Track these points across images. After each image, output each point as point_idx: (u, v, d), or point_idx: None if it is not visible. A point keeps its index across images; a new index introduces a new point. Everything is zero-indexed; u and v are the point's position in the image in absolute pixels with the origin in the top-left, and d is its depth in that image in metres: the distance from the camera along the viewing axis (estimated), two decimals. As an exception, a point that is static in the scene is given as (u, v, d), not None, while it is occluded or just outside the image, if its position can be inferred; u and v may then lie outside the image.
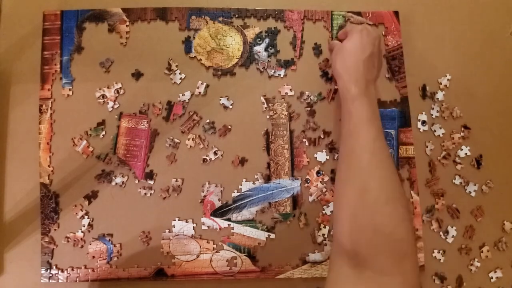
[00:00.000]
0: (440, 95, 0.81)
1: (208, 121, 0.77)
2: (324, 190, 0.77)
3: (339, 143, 0.78)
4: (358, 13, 0.81)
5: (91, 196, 0.74)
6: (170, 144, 0.76)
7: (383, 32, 0.81)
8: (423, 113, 0.80)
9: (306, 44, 0.80)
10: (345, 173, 0.61)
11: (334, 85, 0.79)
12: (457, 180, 0.79)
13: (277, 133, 0.78)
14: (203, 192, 0.75)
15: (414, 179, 0.78)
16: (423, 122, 0.80)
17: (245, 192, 0.75)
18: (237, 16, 0.80)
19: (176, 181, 0.75)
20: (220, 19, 0.80)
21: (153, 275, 0.73)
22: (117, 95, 0.77)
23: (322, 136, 0.78)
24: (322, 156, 0.77)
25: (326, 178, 0.77)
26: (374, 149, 0.59)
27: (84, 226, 0.73)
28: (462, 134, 0.80)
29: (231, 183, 0.76)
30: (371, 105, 0.63)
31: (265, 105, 0.78)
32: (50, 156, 0.75)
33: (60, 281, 0.72)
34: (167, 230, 0.74)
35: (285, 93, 0.79)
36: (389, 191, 0.56)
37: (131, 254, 0.73)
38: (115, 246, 0.73)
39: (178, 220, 0.74)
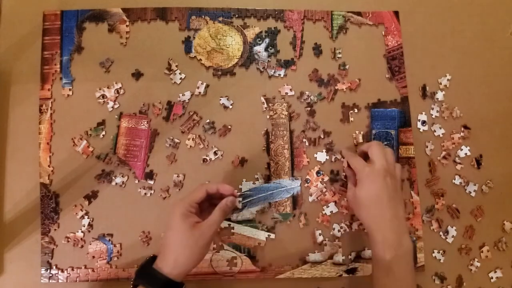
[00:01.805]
0: (440, 95, 0.81)
1: (208, 121, 0.77)
2: (324, 190, 0.77)
3: (338, 145, 0.78)
4: (358, 13, 0.81)
5: (91, 196, 0.74)
6: (170, 144, 0.76)
7: (383, 32, 0.81)
8: (423, 113, 0.80)
9: (306, 44, 0.80)
10: None
11: (334, 86, 0.79)
12: (457, 180, 0.79)
13: (277, 133, 0.78)
14: (203, 192, 0.75)
15: (414, 179, 0.78)
16: (423, 122, 0.80)
17: (245, 192, 0.75)
18: (237, 16, 0.80)
19: (177, 176, 0.75)
20: (220, 19, 0.80)
21: (153, 275, 0.73)
22: (117, 95, 0.77)
23: (322, 136, 0.78)
24: (322, 156, 0.77)
25: (326, 178, 0.77)
26: None
27: (84, 226, 0.73)
28: (462, 134, 0.80)
29: (231, 183, 0.76)
30: (408, 273, 0.61)
31: (265, 105, 0.78)
32: (50, 156, 0.75)
33: (60, 281, 0.72)
34: (167, 230, 0.74)
35: (285, 93, 0.79)
36: None
37: (131, 254, 0.73)
38: (115, 246, 0.73)
39: (178, 220, 0.74)
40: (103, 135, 0.76)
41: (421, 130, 0.80)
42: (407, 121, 0.80)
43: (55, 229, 0.73)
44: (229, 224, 0.75)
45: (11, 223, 0.74)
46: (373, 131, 0.79)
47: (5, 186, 0.74)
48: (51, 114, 0.75)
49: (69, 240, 0.73)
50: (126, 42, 0.78)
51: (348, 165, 0.71)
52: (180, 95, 0.77)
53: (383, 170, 0.64)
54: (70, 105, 0.76)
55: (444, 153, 0.80)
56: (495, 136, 0.81)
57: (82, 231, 0.73)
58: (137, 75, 0.77)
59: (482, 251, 0.78)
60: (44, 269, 0.72)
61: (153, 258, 0.58)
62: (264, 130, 0.78)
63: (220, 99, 0.78)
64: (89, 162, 0.75)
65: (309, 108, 0.79)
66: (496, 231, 0.80)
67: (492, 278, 0.78)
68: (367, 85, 0.80)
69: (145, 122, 0.76)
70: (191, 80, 0.78)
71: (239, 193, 0.74)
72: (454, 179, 0.79)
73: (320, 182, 0.77)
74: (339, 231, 0.76)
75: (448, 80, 0.81)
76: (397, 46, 0.81)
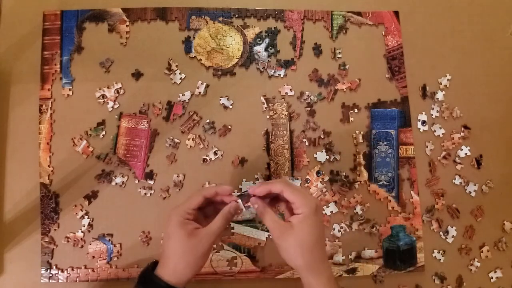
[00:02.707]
0: (440, 95, 0.81)
1: (208, 121, 0.77)
2: (324, 190, 0.77)
3: (337, 145, 0.78)
4: (358, 13, 0.81)
5: (91, 196, 0.74)
6: (170, 144, 0.76)
7: (383, 32, 0.81)
8: (423, 113, 0.80)
9: (306, 44, 0.80)
10: None
11: (334, 86, 0.79)
12: (457, 180, 0.79)
13: (277, 133, 0.78)
14: (203, 192, 0.75)
15: (414, 179, 0.78)
16: (423, 122, 0.80)
17: (245, 192, 0.74)
18: (237, 16, 0.80)
19: (177, 176, 0.75)
20: (220, 19, 0.80)
21: (153, 275, 0.73)
22: (117, 95, 0.77)
23: (322, 136, 0.78)
24: (322, 156, 0.77)
25: (326, 178, 0.77)
26: None
27: (84, 226, 0.73)
28: (462, 134, 0.80)
29: (231, 183, 0.76)
30: None
31: (265, 105, 0.78)
32: (50, 156, 0.75)
33: (60, 281, 0.72)
34: (167, 230, 0.74)
35: (285, 93, 0.79)
36: None
37: (131, 254, 0.73)
38: (115, 246, 0.73)
39: (178, 220, 0.74)
40: (103, 135, 0.76)
41: (421, 130, 0.80)
42: (407, 121, 0.80)
43: (55, 229, 0.73)
44: (229, 224, 0.75)
45: (11, 223, 0.74)
46: (373, 131, 0.79)
47: (5, 186, 0.74)
48: (51, 114, 0.75)
49: (69, 240, 0.73)
50: (126, 42, 0.78)
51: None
52: (180, 95, 0.77)
53: (316, 208, 0.56)
54: (70, 105, 0.76)
55: (444, 153, 0.80)
56: (495, 136, 0.81)
57: (82, 231, 0.73)
58: (137, 75, 0.77)
59: (482, 251, 0.78)
60: (44, 269, 0.72)
61: (155, 263, 0.58)
62: (264, 130, 0.78)
63: (220, 99, 0.78)
64: (89, 162, 0.75)
65: (309, 108, 0.79)
66: (496, 231, 0.80)
67: (492, 278, 0.78)
68: (367, 85, 0.80)
69: (145, 122, 0.76)
70: (191, 80, 0.78)
71: (238, 193, 0.74)
72: (454, 179, 0.79)
73: (320, 182, 0.77)
74: (339, 231, 0.76)
75: (448, 80, 0.81)
76: (397, 46, 0.81)
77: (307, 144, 0.78)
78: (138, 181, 0.75)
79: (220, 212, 0.58)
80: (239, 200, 0.58)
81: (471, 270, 0.78)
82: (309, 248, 0.54)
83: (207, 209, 0.60)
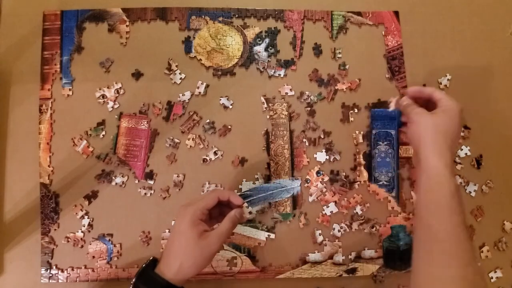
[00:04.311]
0: (440, 95, 0.81)
1: (208, 121, 0.77)
2: (324, 190, 0.77)
3: (338, 145, 0.78)
4: (358, 13, 0.81)
5: (91, 196, 0.74)
6: (170, 144, 0.76)
7: (383, 32, 0.81)
8: (423, 113, 0.80)
9: (306, 44, 0.80)
10: (427, 261, 0.54)
11: (334, 86, 0.79)
12: (457, 180, 0.79)
13: (277, 133, 0.78)
14: (203, 192, 0.75)
15: (414, 179, 0.78)
16: (423, 122, 0.80)
17: (245, 192, 0.75)
18: (237, 16, 0.80)
19: (177, 176, 0.75)
20: (220, 19, 0.80)
21: (153, 275, 0.73)
22: (117, 95, 0.77)
23: (322, 136, 0.78)
24: (322, 156, 0.77)
25: (326, 178, 0.77)
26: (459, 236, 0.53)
27: (84, 226, 0.73)
28: (462, 134, 0.80)
29: (231, 183, 0.76)
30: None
31: (265, 105, 0.78)
32: (50, 156, 0.75)
33: (60, 281, 0.72)
34: (167, 230, 0.74)
35: (285, 93, 0.79)
36: (469, 273, 0.51)
37: (131, 254, 0.73)
38: (115, 246, 0.73)
39: (178, 220, 0.74)
40: (103, 135, 0.76)
41: (421, 130, 0.80)
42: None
43: (55, 229, 0.73)
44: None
45: (11, 223, 0.74)
46: (373, 131, 0.79)
47: (5, 186, 0.74)
48: (51, 114, 0.76)
49: (69, 240, 0.73)
50: (126, 42, 0.78)
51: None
52: (180, 95, 0.77)
53: (460, 110, 0.60)
54: (70, 105, 0.76)
55: (444, 153, 0.80)
56: (495, 136, 0.81)
57: (82, 231, 0.73)
58: (137, 75, 0.77)
59: (482, 251, 0.78)
60: (44, 269, 0.72)
61: (154, 261, 0.58)
62: (264, 130, 0.78)
63: (220, 99, 0.78)
64: (89, 162, 0.75)
65: (309, 108, 0.79)
66: (496, 231, 0.80)
67: (492, 278, 0.78)
68: (367, 85, 0.80)
69: (145, 122, 0.76)
70: (191, 80, 0.78)
71: (239, 194, 0.74)
72: (454, 179, 0.79)
73: (320, 182, 0.77)
74: (339, 231, 0.76)
75: (448, 80, 0.81)
76: (397, 46, 0.81)
77: (307, 144, 0.78)
78: (138, 181, 0.75)
79: (227, 216, 0.59)
80: (245, 206, 0.59)
81: (471, 270, 0.78)
82: (442, 131, 0.57)
83: (212, 211, 0.61)
